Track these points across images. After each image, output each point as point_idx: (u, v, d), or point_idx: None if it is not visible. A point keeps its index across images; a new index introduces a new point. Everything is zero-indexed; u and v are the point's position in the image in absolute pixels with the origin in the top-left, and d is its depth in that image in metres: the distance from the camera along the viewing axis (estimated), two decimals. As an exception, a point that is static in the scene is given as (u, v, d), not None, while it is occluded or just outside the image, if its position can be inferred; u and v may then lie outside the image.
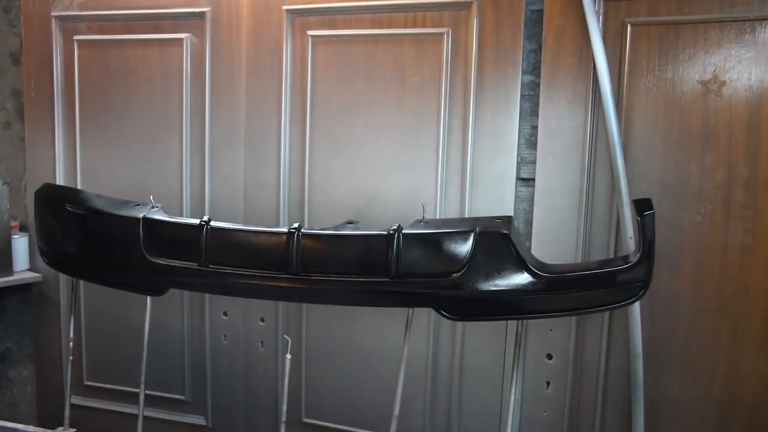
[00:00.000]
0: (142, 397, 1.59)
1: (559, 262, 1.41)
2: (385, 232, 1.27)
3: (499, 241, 1.21)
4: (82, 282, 1.88)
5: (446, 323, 1.61)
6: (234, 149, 1.79)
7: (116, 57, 1.87)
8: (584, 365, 1.55)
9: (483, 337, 1.62)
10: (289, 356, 1.45)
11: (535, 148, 1.53)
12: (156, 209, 1.45)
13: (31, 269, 2.04)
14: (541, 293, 1.20)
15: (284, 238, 1.32)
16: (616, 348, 1.51)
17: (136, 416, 1.62)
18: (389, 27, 1.62)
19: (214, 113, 1.80)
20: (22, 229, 2.06)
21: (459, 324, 1.62)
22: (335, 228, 1.35)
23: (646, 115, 1.43)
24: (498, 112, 1.55)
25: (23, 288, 2.05)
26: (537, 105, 1.52)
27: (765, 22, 1.33)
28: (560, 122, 1.50)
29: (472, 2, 1.53)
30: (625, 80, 1.43)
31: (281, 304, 1.79)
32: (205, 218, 1.38)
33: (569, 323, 1.54)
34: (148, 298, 1.54)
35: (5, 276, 1.95)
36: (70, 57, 1.92)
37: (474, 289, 1.22)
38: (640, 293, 1.18)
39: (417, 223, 1.32)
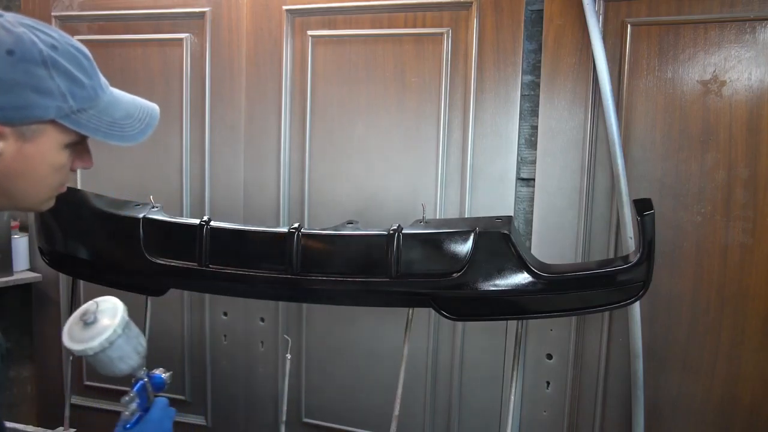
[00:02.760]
0: (142, 397, 1.58)
1: (559, 262, 1.41)
2: (385, 232, 1.27)
3: (499, 241, 1.21)
4: (82, 282, 1.88)
5: (446, 323, 1.61)
6: (234, 149, 1.79)
7: (116, 57, 1.87)
8: (584, 365, 1.55)
9: (483, 337, 1.62)
10: (289, 356, 1.45)
11: (535, 148, 1.53)
12: (156, 209, 1.45)
13: (31, 269, 2.04)
14: (541, 293, 1.20)
15: (284, 238, 1.32)
16: (616, 348, 1.51)
17: (136, 416, 1.61)
18: (389, 27, 1.62)
19: (214, 113, 1.80)
20: (22, 229, 2.06)
21: (459, 324, 1.62)
22: (335, 228, 1.35)
23: (646, 115, 1.43)
24: (498, 112, 1.55)
25: (23, 288, 2.05)
26: (537, 105, 1.52)
27: (765, 22, 1.33)
28: (560, 122, 1.50)
29: (472, 2, 1.53)
30: (625, 80, 1.43)
31: (281, 304, 1.79)
32: (205, 218, 1.38)
33: (569, 323, 1.54)
34: (148, 298, 1.54)
35: (5, 276, 1.95)
36: None
37: (474, 289, 1.22)
38: (640, 293, 1.18)
39: (417, 223, 1.32)
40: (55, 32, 0.79)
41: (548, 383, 1.58)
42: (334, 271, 1.30)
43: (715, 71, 1.37)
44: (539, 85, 1.51)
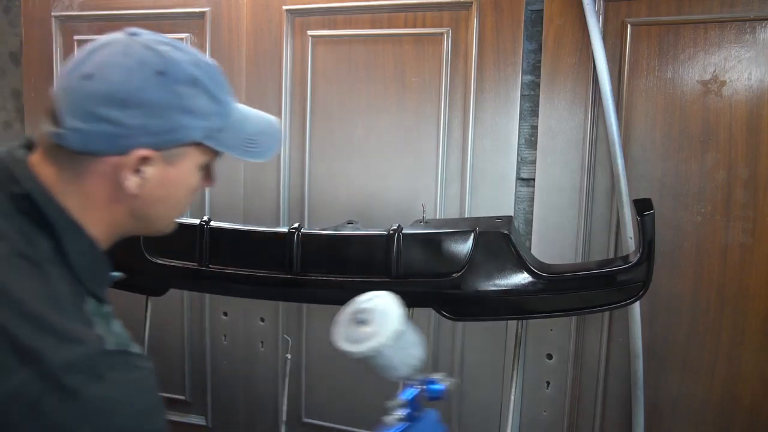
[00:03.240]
0: (142, 397, 1.58)
1: (559, 262, 1.41)
2: (385, 232, 1.27)
3: (499, 241, 1.21)
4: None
5: (446, 323, 1.61)
6: (234, 149, 1.79)
7: (116, 57, 1.87)
8: (584, 365, 1.55)
9: (483, 337, 1.62)
10: (289, 356, 1.45)
11: (535, 148, 1.53)
12: (156, 209, 1.45)
13: (31, 269, 2.04)
14: (541, 293, 1.20)
15: (284, 238, 1.32)
16: (616, 348, 1.51)
17: (136, 416, 1.61)
18: (389, 27, 1.62)
19: (214, 113, 1.80)
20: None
21: (459, 324, 1.62)
22: (335, 228, 1.35)
23: (646, 115, 1.43)
24: (498, 112, 1.55)
25: (23, 288, 2.04)
26: (537, 105, 1.52)
27: (765, 22, 1.33)
28: (560, 122, 1.50)
29: (472, 2, 1.53)
30: (625, 80, 1.43)
31: (281, 304, 1.79)
32: (205, 218, 1.38)
33: (569, 323, 1.54)
34: (148, 298, 1.54)
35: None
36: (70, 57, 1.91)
37: (474, 289, 1.22)
38: (640, 293, 1.18)
39: (417, 223, 1.32)
40: (188, 47, 0.76)
41: (548, 383, 1.58)
42: (334, 271, 1.30)
43: (715, 71, 1.37)
44: (539, 85, 1.51)
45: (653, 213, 1.11)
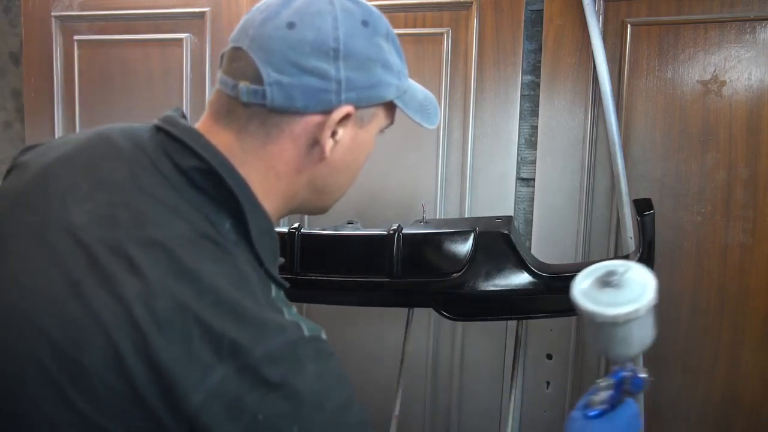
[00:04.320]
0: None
1: (559, 262, 1.41)
2: (385, 232, 1.26)
3: (499, 241, 1.21)
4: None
5: (446, 323, 1.61)
6: (234, 149, 1.79)
7: (116, 57, 1.87)
8: (584, 365, 1.55)
9: (483, 337, 1.62)
10: (289, 356, 1.45)
11: (535, 148, 1.53)
12: (156, 209, 1.45)
13: (31, 269, 2.04)
14: (541, 293, 1.20)
15: (284, 238, 1.31)
16: (616, 348, 1.51)
17: (136, 416, 1.61)
18: (389, 27, 1.62)
19: (214, 113, 1.80)
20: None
21: (459, 324, 1.62)
22: (335, 228, 1.35)
23: (646, 115, 1.43)
24: (498, 112, 1.55)
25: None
26: (537, 105, 1.52)
27: (765, 22, 1.33)
28: (560, 122, 1.50)
29: (472, 2, 1.53)
30: (625, 80, 1.43)
31: (281, 304, 1.79)
32: (205, 218, 1.38)
33: (569, 323, 1.54)
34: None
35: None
36: (70, 57, 1.92)
37: (474, 289, 1.22)
38: (640, 293, 1.17)
39: (417, 222, 1.32)
40: None
41: (548, 383, 1.58)
42: (333, 271, 1.30)
43: (715, 71, 1.37)
44: (539, 85, 1.51)
45: (653, 213, 1.11)
